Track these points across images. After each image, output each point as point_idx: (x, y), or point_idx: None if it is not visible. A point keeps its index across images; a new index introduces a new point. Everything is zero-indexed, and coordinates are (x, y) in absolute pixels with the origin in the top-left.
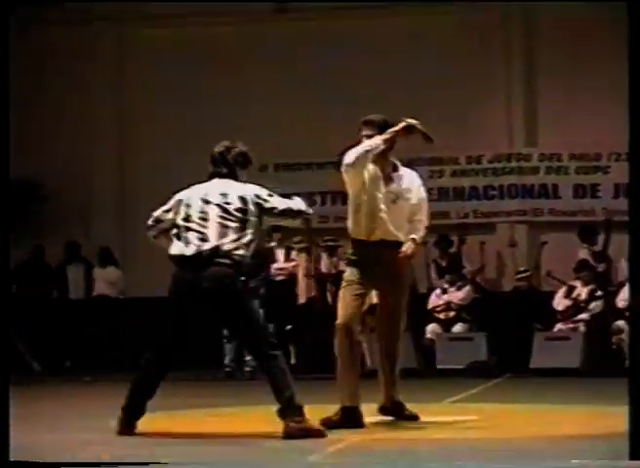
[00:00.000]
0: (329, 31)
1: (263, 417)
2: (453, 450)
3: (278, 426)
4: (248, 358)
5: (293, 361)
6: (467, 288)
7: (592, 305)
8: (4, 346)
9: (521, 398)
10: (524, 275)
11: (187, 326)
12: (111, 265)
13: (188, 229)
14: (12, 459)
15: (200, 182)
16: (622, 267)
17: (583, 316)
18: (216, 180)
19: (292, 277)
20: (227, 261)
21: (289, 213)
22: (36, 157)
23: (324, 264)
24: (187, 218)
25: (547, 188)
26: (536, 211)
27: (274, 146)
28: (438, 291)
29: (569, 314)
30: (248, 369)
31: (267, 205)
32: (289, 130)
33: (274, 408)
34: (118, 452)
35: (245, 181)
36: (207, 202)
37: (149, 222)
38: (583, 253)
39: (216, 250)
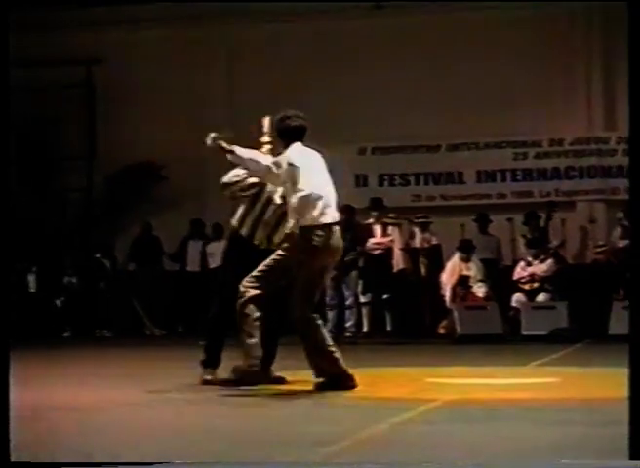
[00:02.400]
0: (419, 26)
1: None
2: (534, 410)
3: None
4: (348, 324)
5: (389, 327)
6: (550, 260)
7: None
8: (4, 346)
9: (600, 362)
10: (602, 249)
11: None
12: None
13: None
14: (13, 460)
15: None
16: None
17: None
18: None
19: (388, 250)
20: None
21: None
22: (159, 143)
23: (417, 239)
24: None
25: (624, 169)
26: (613, 190)
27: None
28: (522, 263)
29: None
30: (348, 334)
31: None
32: (386, 117)
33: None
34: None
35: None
36: None
37: None
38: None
39: None
